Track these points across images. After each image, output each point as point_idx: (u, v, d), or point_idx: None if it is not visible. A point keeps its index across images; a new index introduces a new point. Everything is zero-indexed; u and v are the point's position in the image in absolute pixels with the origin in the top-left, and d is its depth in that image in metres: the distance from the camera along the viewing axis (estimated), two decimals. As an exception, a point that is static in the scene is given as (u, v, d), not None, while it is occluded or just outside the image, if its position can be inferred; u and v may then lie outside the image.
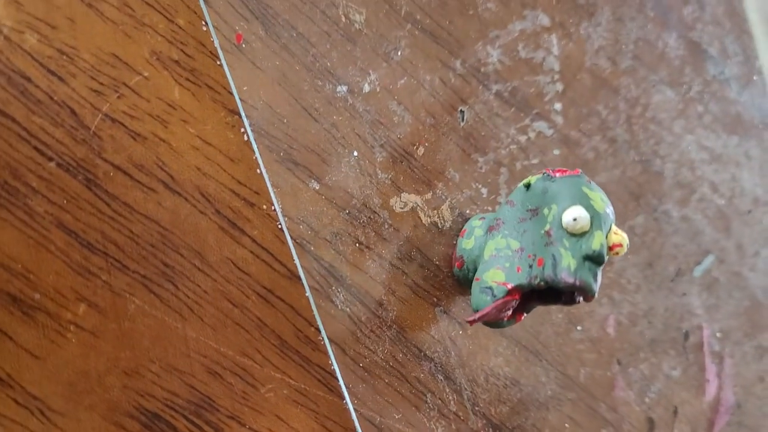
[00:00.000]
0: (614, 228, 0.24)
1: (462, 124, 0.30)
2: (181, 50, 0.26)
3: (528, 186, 0.26)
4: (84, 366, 0.23)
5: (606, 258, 0.23)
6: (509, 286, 0.24)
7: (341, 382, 0.26)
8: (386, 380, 0.27)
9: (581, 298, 0.23)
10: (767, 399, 0.34)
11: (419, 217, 0.28)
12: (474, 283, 0.25)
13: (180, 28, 0.26)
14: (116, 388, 0.23)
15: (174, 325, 0.24)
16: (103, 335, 0.23)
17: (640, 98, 0.34)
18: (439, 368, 0.28)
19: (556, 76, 0.32)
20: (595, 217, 0.23)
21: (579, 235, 0.23)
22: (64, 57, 0.24)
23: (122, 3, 0.25)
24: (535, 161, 0.31)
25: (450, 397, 0.28)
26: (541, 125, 0.31)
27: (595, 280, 0.22)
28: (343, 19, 0.28)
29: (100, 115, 0.24)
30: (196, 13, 0.26)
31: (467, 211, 0.29)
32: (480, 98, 0.30)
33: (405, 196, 0.28)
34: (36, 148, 0.23)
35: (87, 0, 0.25)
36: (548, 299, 0.24)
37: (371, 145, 0.28)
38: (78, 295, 0.23)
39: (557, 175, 0.25)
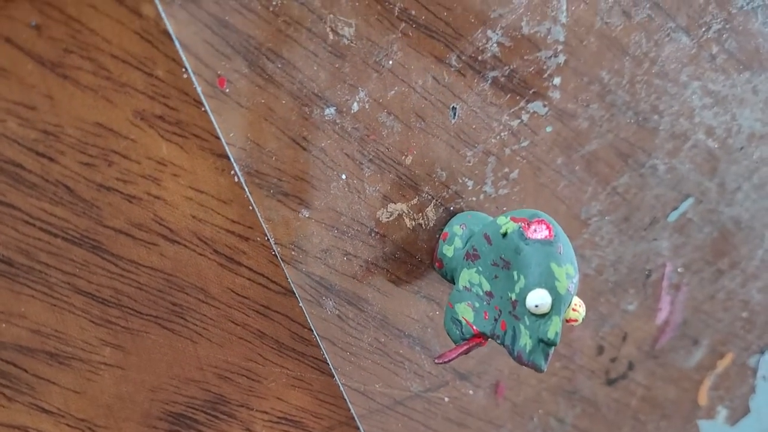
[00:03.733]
0: (574, 302, 0.27)
1: (453, 120, 0.30)
2: (164, 104, 0.26)
3: (504, 235, 0.28)
4: (117, 391, 0.28)
5: (559, 339, 0.26)
6: (475, 330, 0.28)
7: (331, 366, 0.31)
8: (370, 359, 0.32)
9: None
10: (712, 313, 0.40)
11: (404, 222, 0.30)
12: (447, 309, 0.29)
13: (160, 80, 0.25)
14: (145, 401, 0.29)
15: (186, 349, 0.29)
16: (129, 367, 0.28)
17: (649, 52, 0.33)
18: (417, 341, 0.33)
19: (560, 48, 0.31)
20: (556, 301, 0.26)
21: (539, 316, 0.26)
22: (50, 137, 0.25)
23: (97, 66, 0.25)
24: (525, 143, 0.32)
25: (425, 361, 0.33)
26: (535, 105, 0.31)
27: (546, 360, 0.26)
28: (331, 35, 0.27)
29: (95, 186, 0.26)
30: (174, 60, 0.25)
31: (451, 208, 0.31)
32: (474, 90, 0.30)
33: (391, 206, 0.30)
34: (41, 229, 0.25)
35: (61, 72, 0.24)
36: (508, 342, 0.28)
37: (359, 162, 0.29)
38: (103, 341, 0.27)
39: (532, 232, 0.27)
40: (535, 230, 0.28)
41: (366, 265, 0.31)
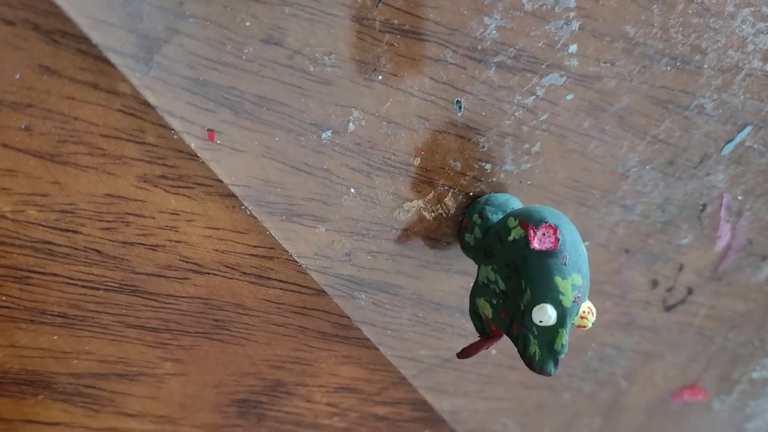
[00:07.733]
0: (583, 309, 0.27)
1: (460, 113, 0.29)
2: (163, 164, 0.27)
3: (513, 241, 0.28)
4: (184, 392, 0.33)
5: (567, 348, 0.27)
6: (494, 328, 0.29)
7: (374, 343, 0.34)
8: (412, 331, 0.34)
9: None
10: (782, 229, 0.38)
11: (424, 215, 0.31)
12: (470, 300, 0.30)
13: (153, 145, 0.27)
14: (212, 395, 0.33)
15: (237, 352, 0.32)
16: (190, 373, 0.32)
17: (683, -8, 0.29)
18: (455, 309, 0.34)
19: (572, 15, 0.28)
20: (561, 314, 0.27)
21: (546, 328, 0.27)
22: (68, 214, 0.27)
23: (92, 148, 0.26)
24: (544, 117, 0.30)
25: (467, 324, 0.35)
26: (551, 78, 0.30)
27: (556, 366, 0.27)
28: (312, 67, 0.26)
29: (119, 245, 0.28)
30: (161, 125, 0.26)
31: (471, 193, 0.31)
32: (479, 79, 0.29)
33: (407, 204, 0.30)
34: (83, 286, 0.29)
35: (60, 159, 0.26)
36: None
37: (367, 172, 0.29)
38: (162, 358, 0.31)
39: (537, 240, 0.27)
40: (543, 235, 0.27)
41: (392, 258, 0.32)
